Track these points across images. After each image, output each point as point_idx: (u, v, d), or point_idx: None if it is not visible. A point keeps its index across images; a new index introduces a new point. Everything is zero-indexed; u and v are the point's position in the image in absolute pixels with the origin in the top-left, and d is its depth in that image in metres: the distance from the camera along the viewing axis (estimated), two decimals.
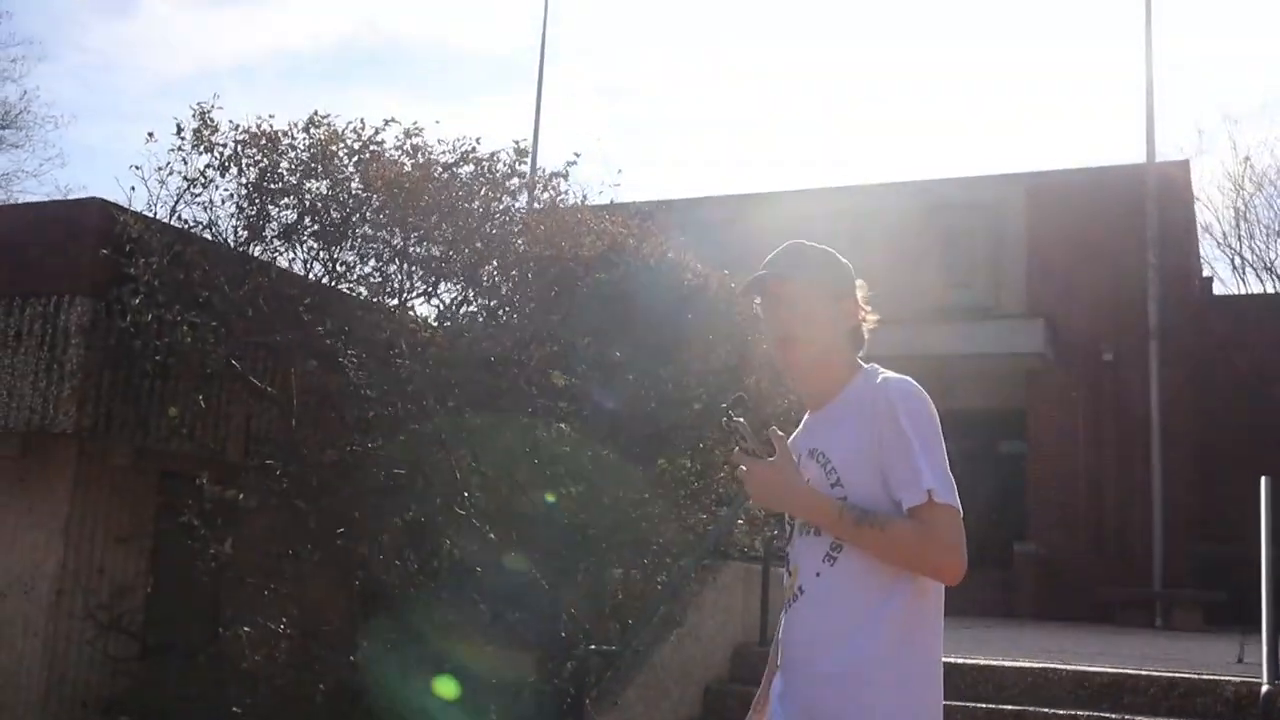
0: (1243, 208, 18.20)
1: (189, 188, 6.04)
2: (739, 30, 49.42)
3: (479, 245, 6.40)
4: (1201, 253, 18.85)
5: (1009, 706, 6.42)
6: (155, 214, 6.15)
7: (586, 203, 7.17)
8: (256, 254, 6.21)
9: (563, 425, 6.74)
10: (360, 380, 6.32)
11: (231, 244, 6.18)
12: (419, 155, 6.33)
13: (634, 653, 6.64)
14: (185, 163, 6.09)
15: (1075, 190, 18.02)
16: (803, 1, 47.42)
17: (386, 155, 6.31)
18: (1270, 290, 17.68)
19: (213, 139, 6.04)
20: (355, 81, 53.89)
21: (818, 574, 2.42)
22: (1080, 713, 6.25)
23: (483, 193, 6.46)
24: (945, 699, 2.45)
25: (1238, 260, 18.15)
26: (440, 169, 6.36)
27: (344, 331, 6.32)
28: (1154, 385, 16.28)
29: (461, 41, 54.34)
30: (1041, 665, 6.91)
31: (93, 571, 5.96)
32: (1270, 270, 17.90)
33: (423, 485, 6.30)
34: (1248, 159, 18.43)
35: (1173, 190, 17.74)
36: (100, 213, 6.06)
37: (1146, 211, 16.88)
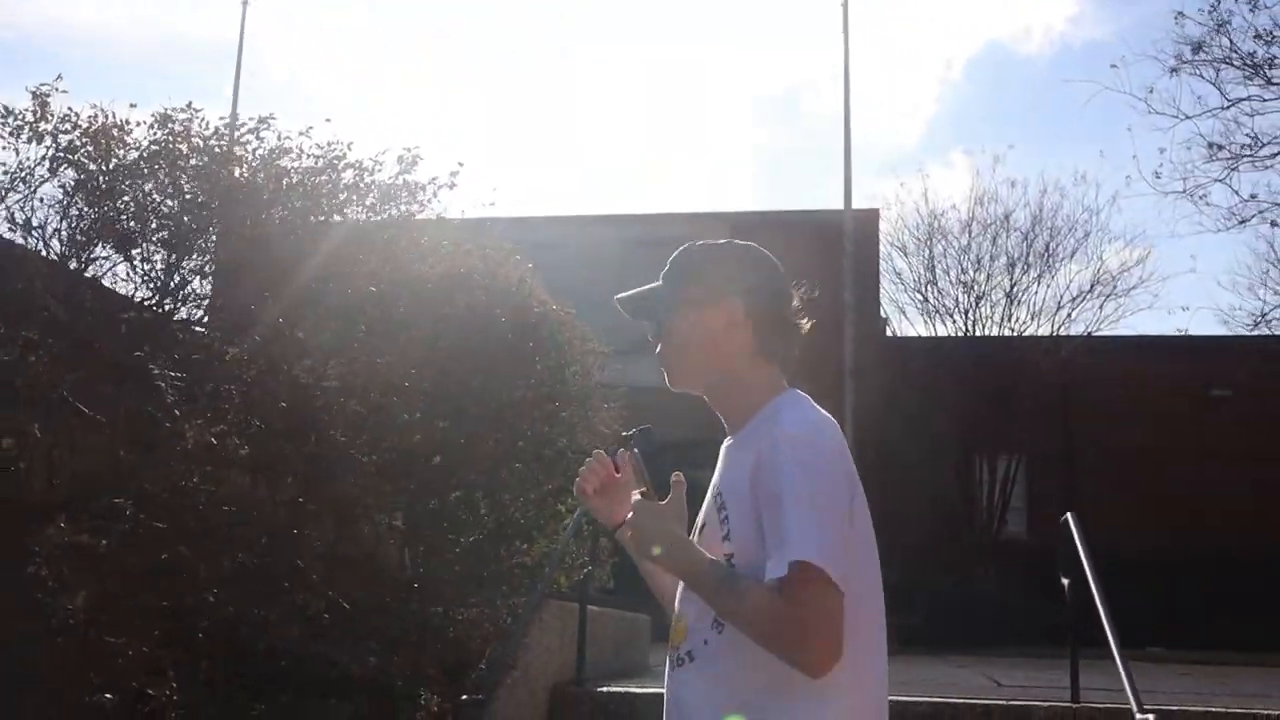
0: (930, 256, 19.75)
1: (11, 185, 5.22)
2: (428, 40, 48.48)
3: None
4: (892, 296, 20.41)
5: None
6: None
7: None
8: (85, 264, 5.46)
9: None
10: (178, 407, 5.73)
11: (57, 251, 5.41)
12: (283, 160, 5.77)
13: (475, 702, 6.35)
14: (17, 153, 5.27)
15: (776, 230, 19.01)
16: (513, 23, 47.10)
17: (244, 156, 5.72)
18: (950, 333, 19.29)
19: (47, 129, 5.26)
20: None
21: (705, 641, 2.03)
22: None
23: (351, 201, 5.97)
24: None
25: (927, 305, 19.70)
26: (296, 175, 5.84)
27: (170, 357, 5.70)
28: (849, 421, 17.36)
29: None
30: None
31: None
32: (948, 314, 19.58)
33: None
34: (933, 212, 19.91)
35: (866, 236, 19.14)
36: None
37: (845, 253, 18.08)
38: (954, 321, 19.51)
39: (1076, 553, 7.21)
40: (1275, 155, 11.23)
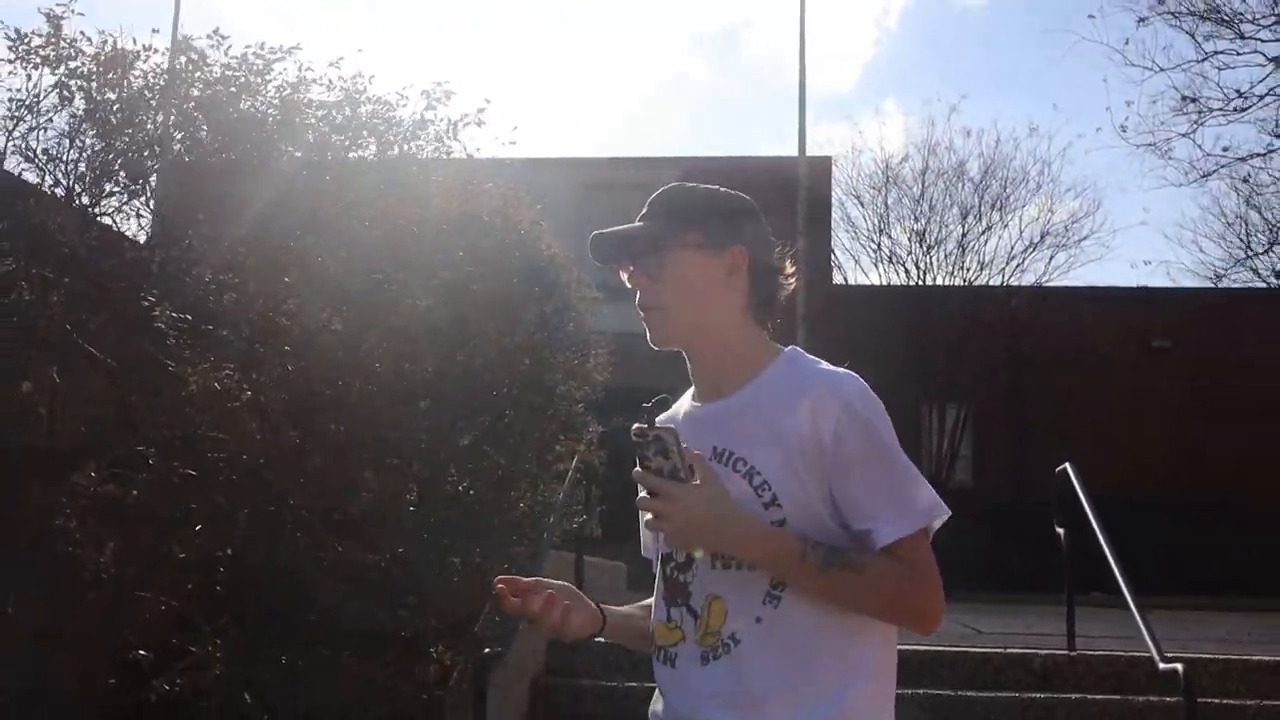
0: (885, 205, 19.83)
1: (19, 114, 4.92)
2: None
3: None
4: (845, 245, 20.49)
5: None
6: None
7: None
8: (95, 201, 5.18)
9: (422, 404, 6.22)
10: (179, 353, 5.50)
11: (64, 187, 5.12)
12: (295, 91, 5.50)
13: (495, 655, 6.26)
14: (29, 79, 4.96)
15: (727, 177, 18.84)
16: None
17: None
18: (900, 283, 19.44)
19: (57, 54, 4.95)
20: None
21: (758, 619, 1.87)
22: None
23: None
24: None
25: (880, 254, 19.80)
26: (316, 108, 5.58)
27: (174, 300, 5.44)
28: None
29: None
30: None
31: None
32: (900, 263, 19.71)
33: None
34: (887, 163, 19.99)
35: (818, 183, 19.15)
36: None
37: (798, 201, 18.06)
38: (905, 271, 19.61)
39: (1075, 503, 7.31)
40: (1245, 110, 11.36)
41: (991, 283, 19.15)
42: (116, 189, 5.27)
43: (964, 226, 19.41)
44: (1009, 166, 19.65)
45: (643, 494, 1.82)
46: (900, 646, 1.99)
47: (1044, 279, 19.25)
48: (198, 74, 5.32)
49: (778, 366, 1.98)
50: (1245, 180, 13.66)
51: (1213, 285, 19.25)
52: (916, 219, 19.68)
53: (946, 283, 19.35)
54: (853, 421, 1.84)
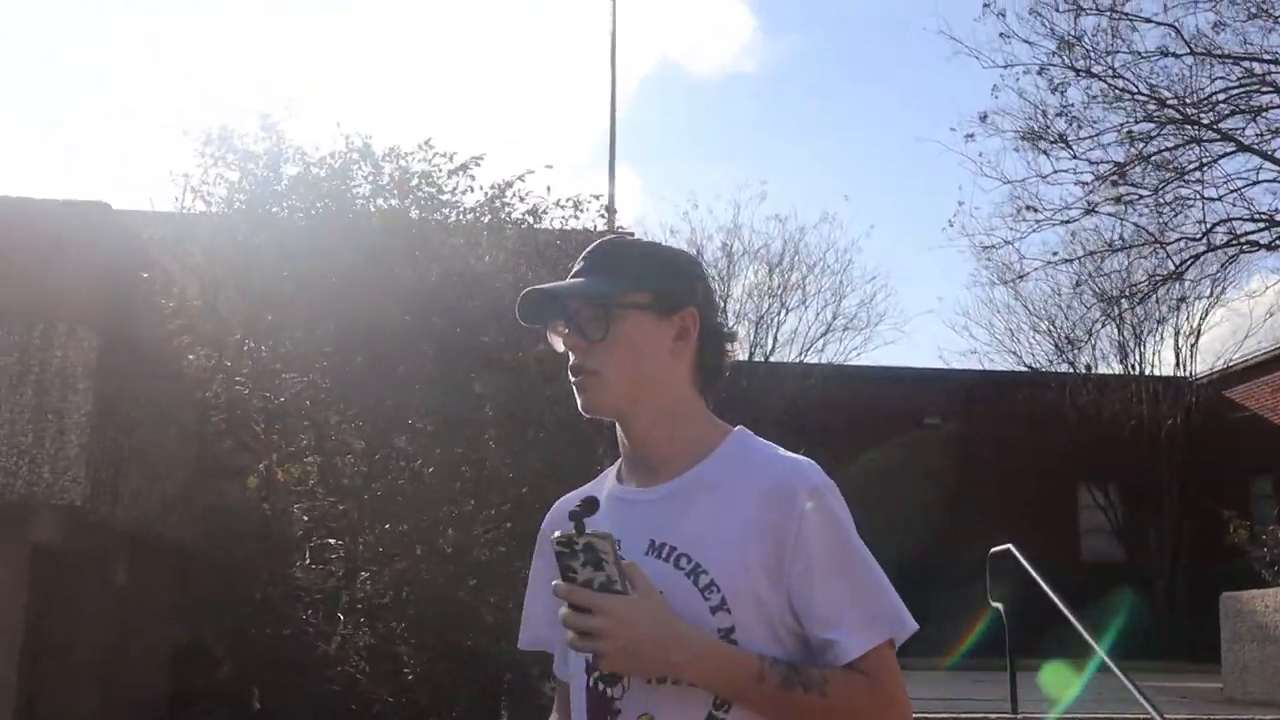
0: None
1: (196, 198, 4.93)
2: None
3: None
4: None
5: None
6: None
7: None
8: None
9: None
10: None
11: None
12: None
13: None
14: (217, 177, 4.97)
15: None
16: None
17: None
18: None
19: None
20: None
21: None
22: None
23: None
24: None
25: None
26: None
27: None
28: None
29: None
30: None
31: None
32: None
33: None
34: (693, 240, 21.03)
35: None
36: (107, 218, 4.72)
37: None
38: None
39: (1020, 578, 8.31)
40: (1073, 221, 13.10)
41: (792, 359, 20.40)
42: None
43: (760, 309, 20.59)
44: (810, 252, 20.98)
45: (564, 609, 1.55)
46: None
47: (840, 358, 20.72)
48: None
49: (727, 448, 1.74)
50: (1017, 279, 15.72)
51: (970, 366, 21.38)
52: (718, 295, 20.73)
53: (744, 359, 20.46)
54: (818, 518, 1.61)
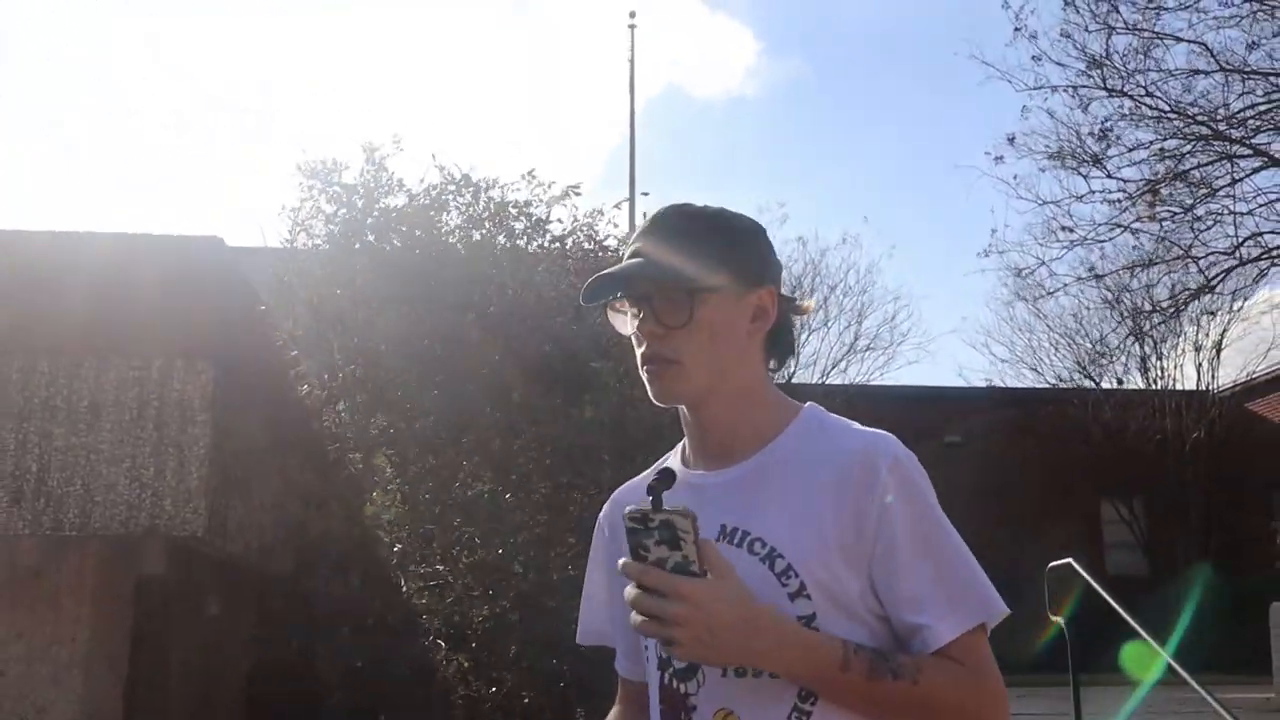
0: None
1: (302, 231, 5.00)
2: None
3: None
4: None
5: None
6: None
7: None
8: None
9: None
10: None
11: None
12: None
13: None
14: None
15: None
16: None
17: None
18: None
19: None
20: None
21: None
22: None
23: None
24: None
25: None
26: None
27: None
28: None
29: None
30: None
31: None
32: None
33: None
34: None
35: None
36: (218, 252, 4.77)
37: None
38: None
39: (1086, 593, 8.32)
40: (1106, 239, 13.13)
41: (814, 380, 20.51)
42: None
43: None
44: (831, 273, 21.19)
45: (633, 590, 1.41)
46: None
47: (865, 378, 20.83)
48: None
49: (800, 424, 1.62)
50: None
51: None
52: None
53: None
54: (900, 495, 1.50)
